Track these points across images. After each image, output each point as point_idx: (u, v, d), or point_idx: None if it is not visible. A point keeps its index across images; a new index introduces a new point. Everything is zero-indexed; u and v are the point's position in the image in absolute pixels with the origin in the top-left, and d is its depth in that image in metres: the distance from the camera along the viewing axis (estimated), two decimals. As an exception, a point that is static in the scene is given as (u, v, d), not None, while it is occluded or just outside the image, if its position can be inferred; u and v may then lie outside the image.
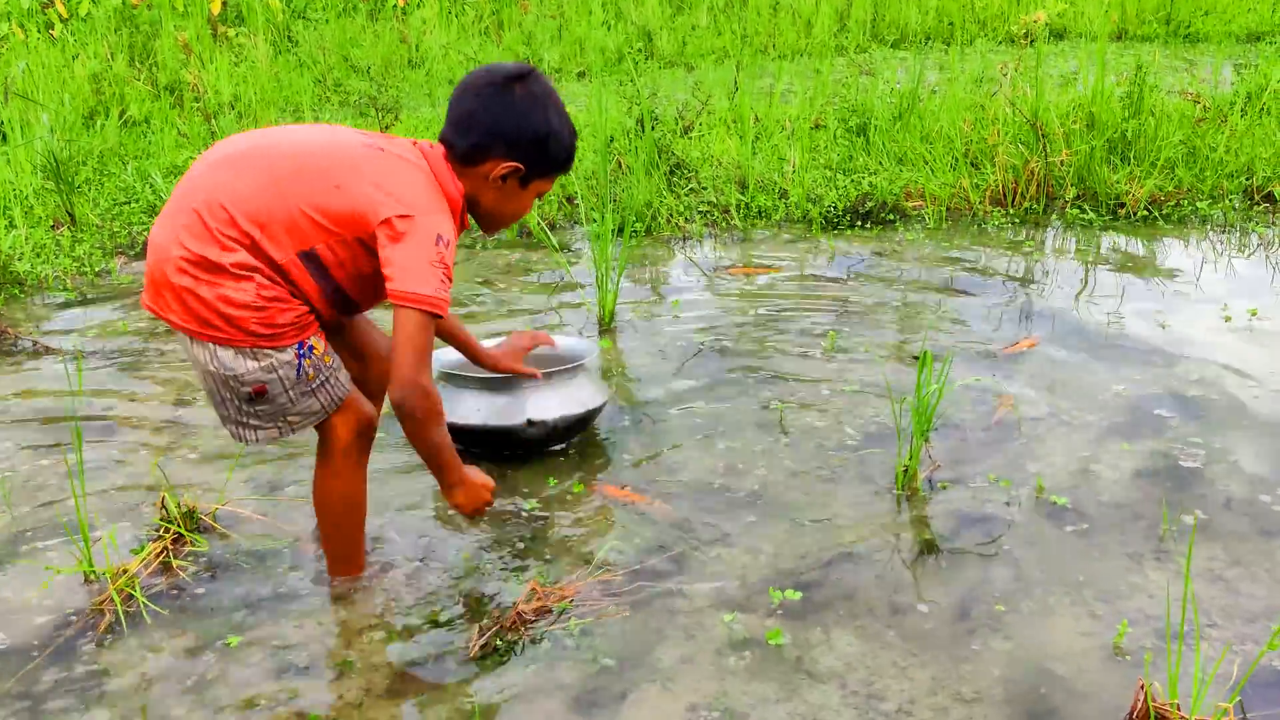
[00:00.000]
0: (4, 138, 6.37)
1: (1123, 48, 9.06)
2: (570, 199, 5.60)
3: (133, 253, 5.14)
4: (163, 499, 2.80)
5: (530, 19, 9.89)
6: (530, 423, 3.09)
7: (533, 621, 2.43)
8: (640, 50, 9.34)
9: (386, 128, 6.49)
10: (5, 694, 2.27)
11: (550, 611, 2.47)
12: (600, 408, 3.25)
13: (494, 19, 9.97)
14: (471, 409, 3.11)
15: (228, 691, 2.28)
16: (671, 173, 5.63)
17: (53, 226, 5.37)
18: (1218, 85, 6.56)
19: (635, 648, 2.37)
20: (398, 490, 3.02)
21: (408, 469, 3.11)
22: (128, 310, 4.47)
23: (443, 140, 2.36)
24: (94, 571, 2.63)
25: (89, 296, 4.65)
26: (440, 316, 2.21)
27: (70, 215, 5.41)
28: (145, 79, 8.04)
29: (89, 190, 5.82)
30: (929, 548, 2.72)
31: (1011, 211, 5.32)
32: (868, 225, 5.25)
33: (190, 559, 2.72)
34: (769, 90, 7.23)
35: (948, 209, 5.37)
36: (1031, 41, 8.35)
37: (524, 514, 2.92)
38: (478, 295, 4.52)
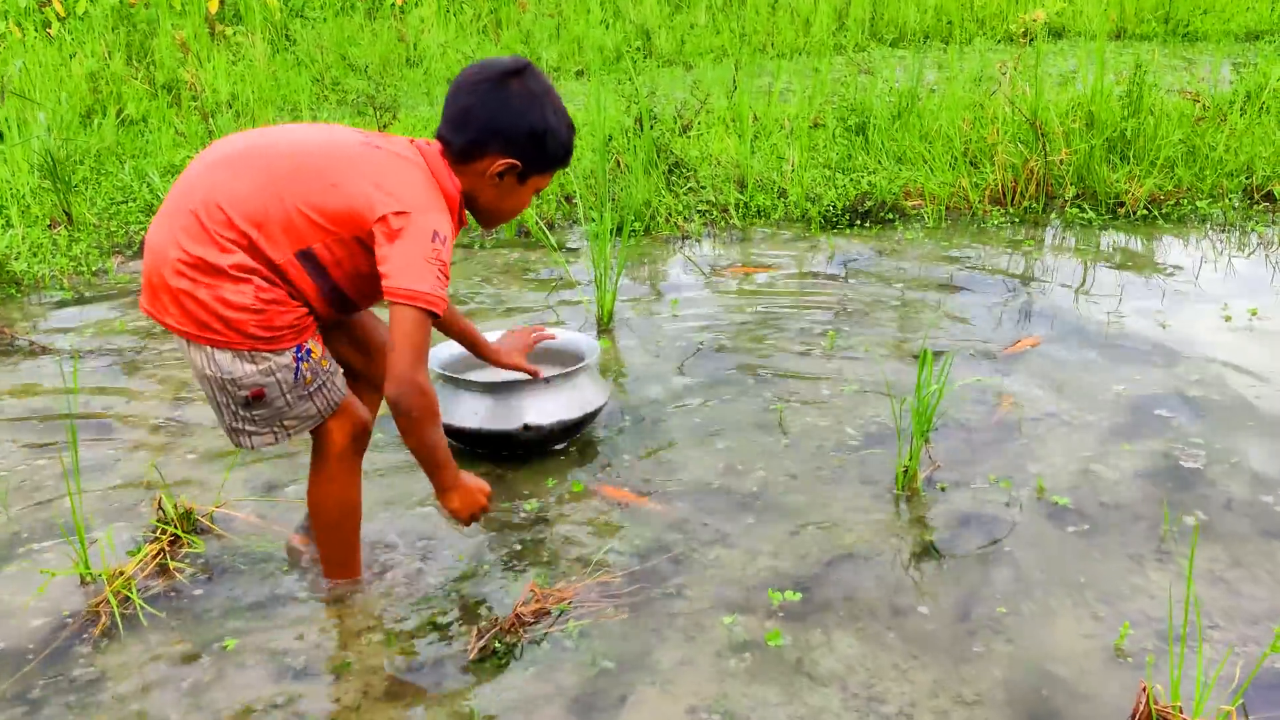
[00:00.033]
0: (1, 137, 6.35)
1: (1121, 46, 9.05)
2: (569, 198, 5.58)
3: (130, 252, 5.13)
4: (159, 500, 2.79)
5: (528, 17, 9.87)
6: (526, 427, 3.09)
7: (531, 623, 2.42)
8: (638, 49, 9.33)
9: (384, 126, 6.47)
10: (0, 697, 2.25)
11: (549, 613, 2.46)
12: (600, 409, 3.24)
13: (492, 17, 9.96)
14: (469, 412, 3.11)
15: (225, 695, 2.26)
16: (670, 172, 5.62)
17: (49, 226, 5.36)
18: (1217, 84, 6.54)
19: (634, 650, 2.36)
20: (396, 490, 3.00)
21: (406, 468, 3.10)
22: (125, 309, 4.45)
23: (439, 138, 2.35)
24: (90, 573, 2.62)
25: (86, 296, 4.64)
26: (437, 315, 2.19)
27: (67, 214, 5.39)
28: (143, 78, 8.02)
29: (86, 189, 5.81)
30: (929, 549, 2.71)
31: (1011, 211, 5.31)
32: (867, 224, 5.24)
33: (187, 561, 2.71)
34: (767, 89, 7.22)
35: (947, 208, 5.36)
36: (1030, 40, 8.34)
37: (522, 515, 2.91)
38: (476, 295, 4.51)
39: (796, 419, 3.37)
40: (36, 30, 8.74)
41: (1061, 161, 5.36)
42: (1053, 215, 5.27)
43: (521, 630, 2.40)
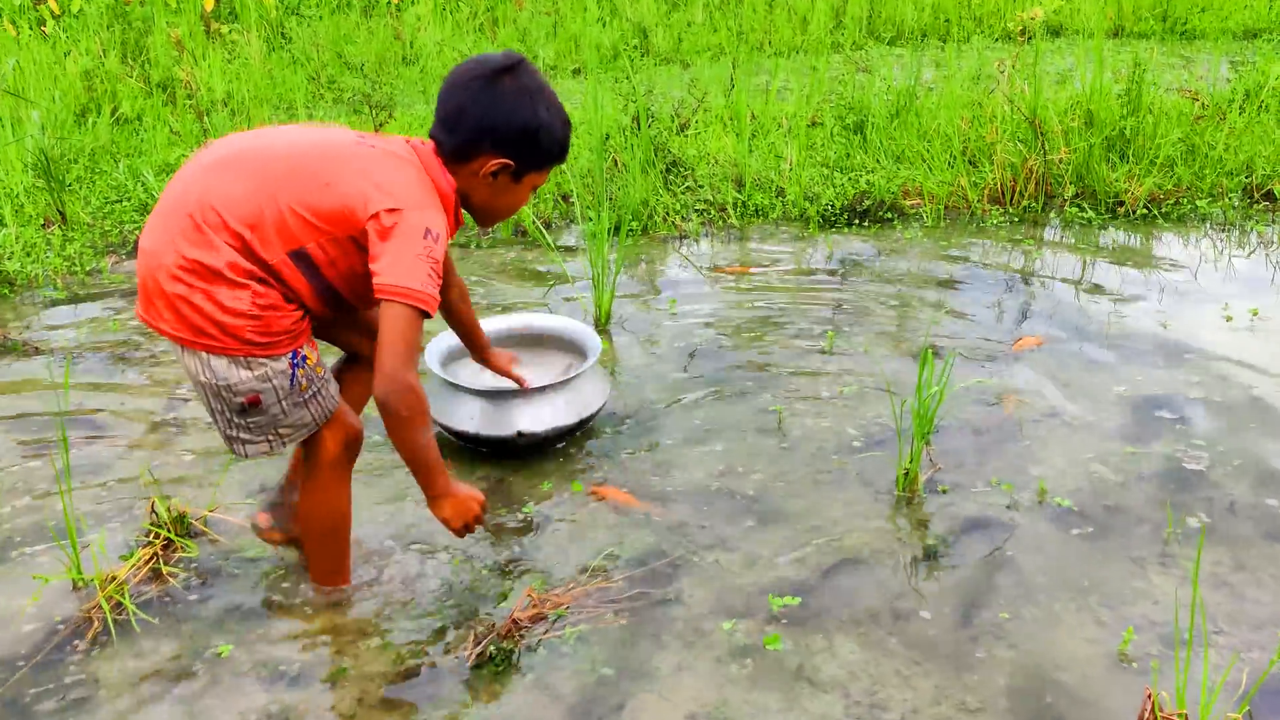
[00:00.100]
0: (-6, 135, 6.31)
1: (1119, 45, 9.03)
2: (566, 197, 5.55)
3: (124, 251, 5.10)
4: (152, 503, 2.76)
5: (525, 15, 9.84)
6: (520, 434, 3.10)
7: (529, 629, 2.40)
8: (636, 47, 9.30)
9: (381, 125, 6.44)
10: (-9, 705, 2.23)
11: (546, 619, 2.44)
12: (598, 410, 3.23)
13: (488, 15, 9.93)
14: (465, 415, 3.11)
15: (219, 703, 2.24)
16: (668, 171, 5.59)
17: (43, 225, 5.32)
18: (1216, 83, 6.52)
19: (633, 656, 2.34)
20: (393, 491, 2.98)
21: (404, 468, 3.07)
22: (118, 309, 4.42)
23: (432, 137, 2.32)
24: (82, 578, 2.59)
25: (80, 296, 4.60)
26: (428, 314, 2.15)
27: (61, 214, 5.36)
28: (137, 76, 7.98)
29: (80, 188, 5.77)
30: (931, 553, 2.68)
31: (1010, 210, 5.29)
32: (865, 224, 5.21)
33: (180, 565, 2.68)
34: (765, 87, 7.20)
35: (946, 207, 5.34)
36: (1029, 38, 8.32)
37: (520, 518, 2.88)
38: (472, 295, 4.48)
39: (796, 420, 3.34)
40: (31, 28, 8.69)
41: (1061, 160, 5.33)
42: (1052, 214, 5.25)
43: (519, 636, 2.37)
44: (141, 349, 4.02)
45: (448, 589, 2.59)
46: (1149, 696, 2.04)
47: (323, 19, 9.64)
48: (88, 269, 4.88)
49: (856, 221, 5.23)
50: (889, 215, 5.28)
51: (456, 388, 3.13)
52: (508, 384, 3.11)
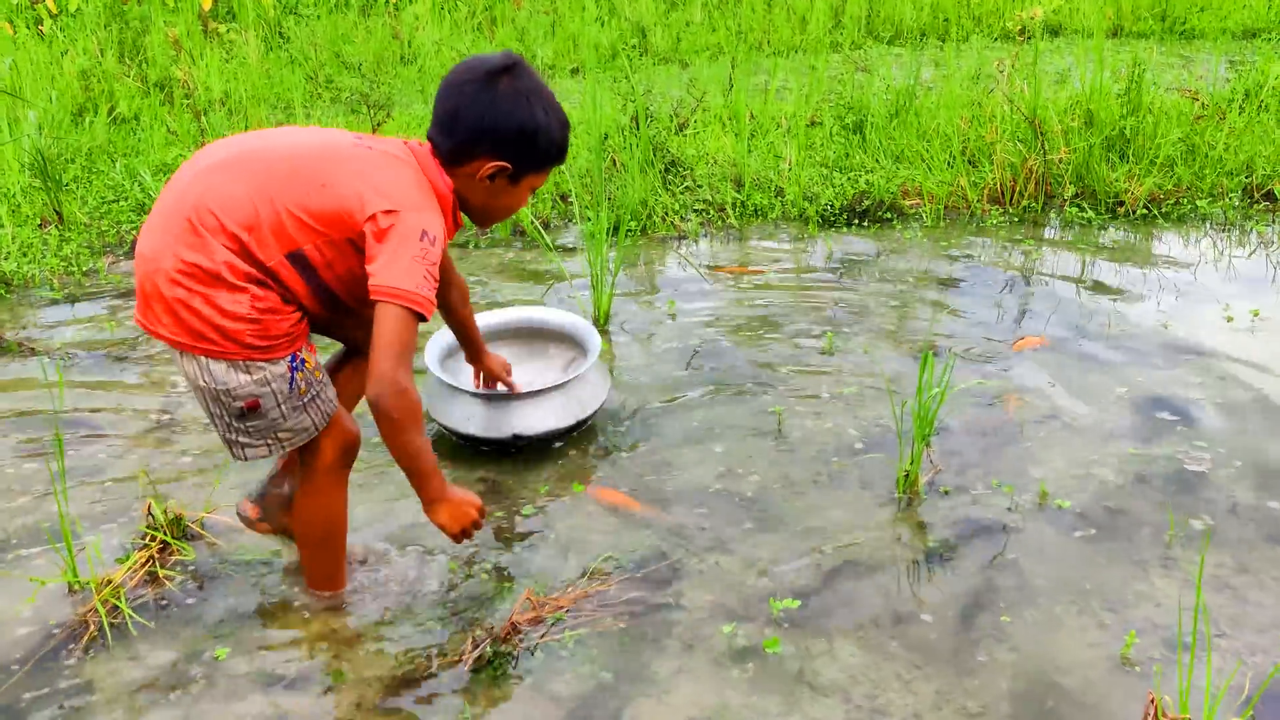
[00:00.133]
0: (-9, 135, 6.29)
1: (1118, 44, 9.01)
2: (564, 197, 5.54)
3: (121, 251, 5.08)
4: (149, 506, 2.74)
5: (523, 15, 9.82)
6: (517, 437, 3.11)
7: (528, 633, 2.38)
8: (634, 46, 9.28)
9: (378, 125, 6.42)
10: (-14, 709, 2.21)
11: (545, 622, 2.42)
12: (596, 411, 3.22)
13: (487, 15, 9.91)
14: (462, 416, 3.12)
15: (215, 707, 2.22)
16: (667, 170, 5.57)
17: (40, 225, 5.30)
18: (1216, 82, 6.50)
19: (632, 659, 2.33)
20: (390, 494, 2.96)
21: (399, 471, 3.05)
22: (115, 310, 4.40)
23: (430, 139, 2.31)
24: (78, 581, 2.57)
25: (76, 296, 4.59)
26: (424, 316, 2.13)
27: (58, 214, 5.34)
28: (135, 75, 7.96)
29: (77, 188, 5.75)
30: (932, 555, 2.67)
31: (1010, 210, 5.27)
32: (865, 224, 5.19)
33: (177, 568, 2.67)
34: (764, 87, 7.18)
35: (945, 207, 5.32)
36: (1028, 38, 8.30)
37: (518, 520, 2.86)
38: (471, 294, 4.45)
39: (796, 421, 3.33)
40: (28, 27, 8.67)
41: (1060, 160, 5.32)
42: (1052, 214, 5.23)
43: (517, 639, 2.36)
44: (138, 349, 4.00)
45: (445, 592, 2.57)
46: (1152, 701, 2.02)
47: (320, 18, 9.61)
48: (84, 269, 4.86)
49: (856, 221, 5.21)
50: (888, 215, 5.26)
51: (454, 389, 3.13)
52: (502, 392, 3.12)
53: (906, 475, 2.92)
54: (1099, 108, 5.40)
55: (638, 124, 5.49)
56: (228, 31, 9.10)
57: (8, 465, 3.19)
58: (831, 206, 5.28)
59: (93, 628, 2.44)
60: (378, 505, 2.92)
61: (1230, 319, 3.96)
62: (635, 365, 3.75)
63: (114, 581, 2.53)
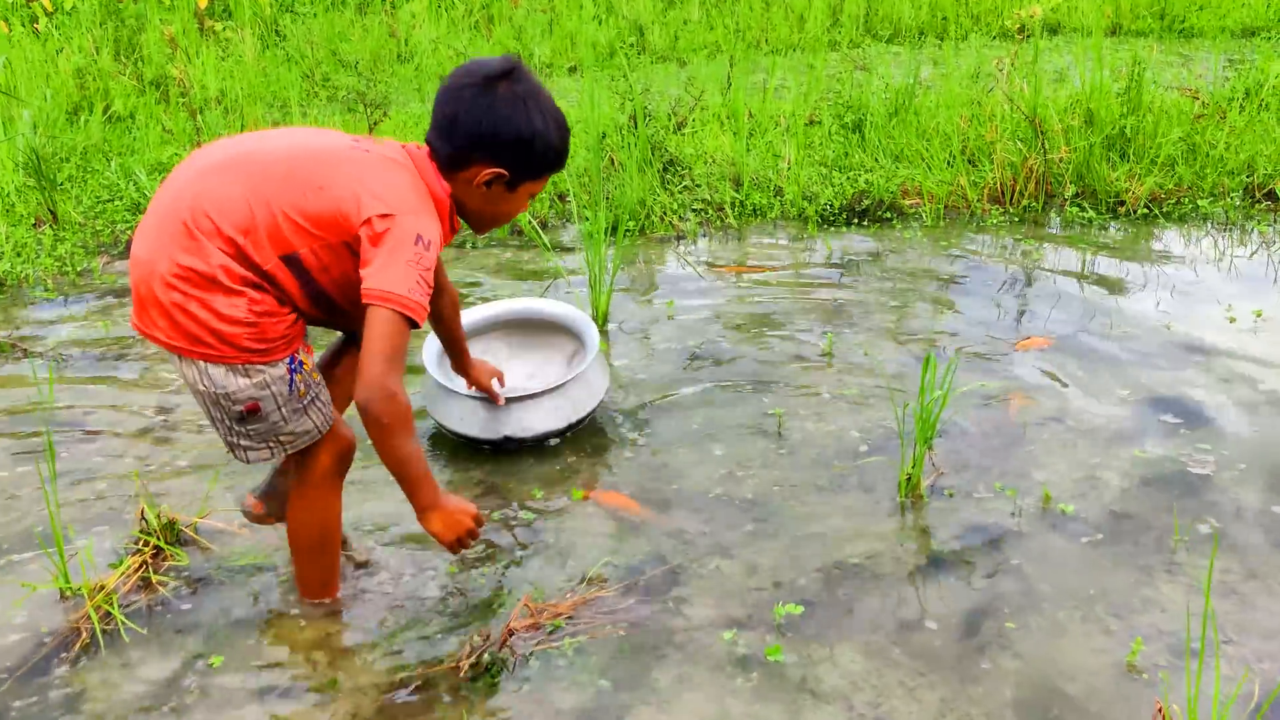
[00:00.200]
0: (-15, 134, 6.25)
1: (1117, 43, 8.98)
2: (562, 196, 5.50)
3: (115, 251, 5.04)
4: (142, 510, 2.71)
5: (520, 13, 9.78)
6: (508, 439, 3.10)
7: (525, 640, 2.35)
8: (632, 45, 9.24)
9: (375, 123, 6.38)
10: (-25, 719, 2.18)
11: (543, 629, 2.39)
12: (593, 410, 3.20)
13: (484, 13, 9.87)
14: (456, 416, 3.13)
15: (209, 715, 2.19)
16: (665, 170, 5.53)
17: (34, 225, 5.27)
18: (1216, 81, 6.48)
19: (631, 667, 2.29)
20: (385, 498, 2.93)
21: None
22: (110, 311, 4.37)
23: (428, 143, 2.28)
24: (70, 587, 2.54)
25: (70, 297, 4.55)
26: (416, 323, 2.10)
27: (52, 213, 5.30)
28: (130, 73, 7.92)
29: (71, 188, 5.71)
30: (934, 560, 2.64)
31: (1010, 210, 5.24)
32: (864, 223, 5.16)
33: (171, 574, 2.63)
34: (762, 86, 7.14)
35: (945, 207, 5.29)
36: (1027, 36, 8.27)
37: (516, 524, 2.83)
38: (468, 296, 4.43)
39: (796, 423, 3.30)
40: (23, 25, 8.62)
41: (1061, 160, 5.29)
42: (1052, 214, 5.20)
43: (515, 646, 2.33)
44: (133, 351, 3.97)
45: (442, 598, 2.54)
46: (1159, 710, 2.00)
47: (317, 16, 9.57)
48: (79, 269, 4.82)
49: (855, 221, 5.18)
50: (888, 215, 5.23)
51: (448, 390, 3.12)
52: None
53: (908, 479, 2.89)
54: (1099, 106, 5.37)
55: (636, 123, 5.46)
56: (224, 29, 9.06)
57: (0, 468, 3.16)
58: (831, 206, 5.25)
59: (85, 635, 2.41)
60: (373, 510, 2.88)
61: (1233, 319, 3.94)
62: (634, 365, 3.72)
63: (106, 587, 2.50)
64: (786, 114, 6.27)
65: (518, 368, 3.44)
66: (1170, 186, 5.26)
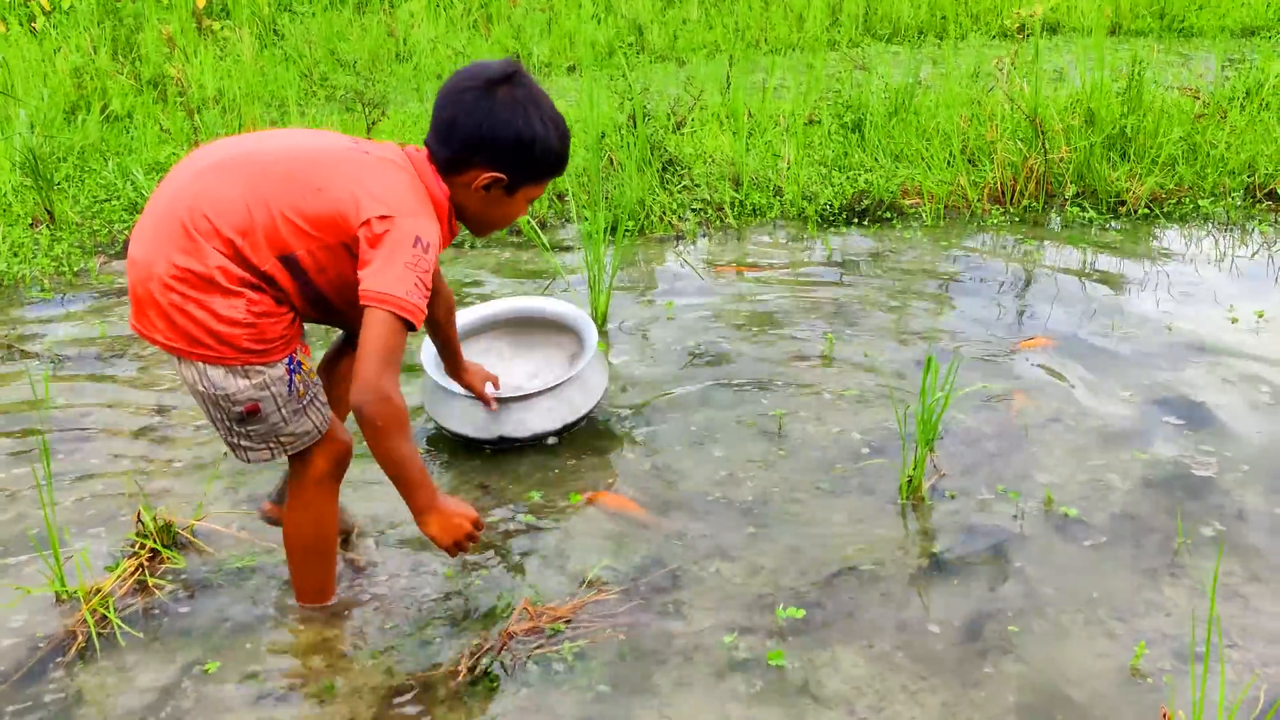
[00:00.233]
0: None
1: (1117, 42, 8.97)
2: (561, 196, 5.49)
3: (112, 251, 5.02)
4: (138, 513, 2.69)
5: (519, 12, 9.76)
6: (502, 439, 3.10)
7: (524, 644, 2.33)
8: (631, 44, 9.23)
9: (373, 123, 6.36)
10: (-30, 724, 2.16)
11: (543, 632, 2.37)
12: (590, 410, 3.19)
13: (482, 12, 9.85)
14: (454, 416, 3.13)
15: (205, 720, 2.17)
16: (664, 169, 5.52)
17: (31, 225, 5.25)
18: (1217, 81, 6.46)
19: (631, 671, 2.28)
20: (381, 501, 2.91)
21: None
22: (106, 311, 4.35)
23: (427, 145, 2.26)
24: (66, 591, 2.52)
25: (67, 297, 4.53)
26: (413, 325, 2.08)
27: (49, 213, 5.28)
28: (128, 73, 7.90)
29: (69, 187, 5.69)
30: (936, 563, 2.62)
31: (1010, 209, 5.22)
32: (864, 223, 5.15)
33: (167, 577, 2.61)
34: (761, 85, 7.12)
35: (945, 207, 5.27)
36: (1027, 36, 8.26)
37: (514, 527, 2.81)
38: (466, 296, 4.41)
39: (796, 424, 3.28)
40: (21, 24, 8.60)
41: (1061, 159, 5.27)
42: (1053, 214, 5.19)
43: (514, 650, 2.31)
44: (129, 351, 3.95)
45: (440, 602, 2.52)
46: (1164, 715, 1.98)
47: (315, 15, 9.56)
48: (76, 269, 4.80)
49: (855, 221, 5.17)
50: (888, 214, 5.22)
51: (446, 390, 3.11)
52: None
53: (910, 480, 2.87)
54: (1099, 106, 5.36)
55: (635, 122, 5.44)
56: (222, 29, 9.04)
57: (-5, 470, 3.14)
58: (830, 206, 5.23)
59: (80, 639, 2.39)
60: (370, 511, 2.86)
61: (1235, 320, 3.92)
62: (633, 367, 3.70)
63: (103, 591, 2.48)
64: (786, 113, 6.25)
65: (520, 366, 3.44)
66: (1171, 186, 5.24)
